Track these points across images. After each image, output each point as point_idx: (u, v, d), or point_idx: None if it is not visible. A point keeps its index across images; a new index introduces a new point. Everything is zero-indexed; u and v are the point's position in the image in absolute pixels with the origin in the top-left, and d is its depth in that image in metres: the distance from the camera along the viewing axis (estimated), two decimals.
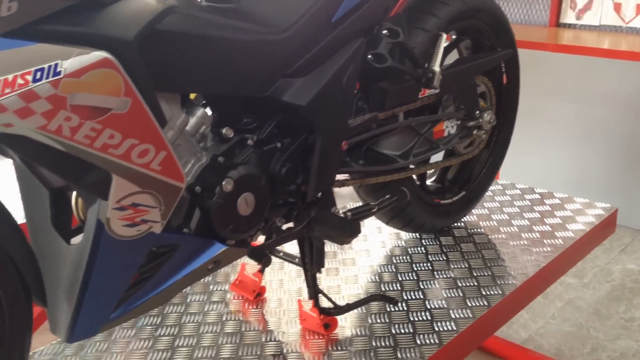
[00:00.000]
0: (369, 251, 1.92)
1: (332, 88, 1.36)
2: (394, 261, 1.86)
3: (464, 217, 2.07)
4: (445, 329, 1.54)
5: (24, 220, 1.19)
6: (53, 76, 0.89)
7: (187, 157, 1.22)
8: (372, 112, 1.54)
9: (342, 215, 1.49)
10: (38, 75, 0.88)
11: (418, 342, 1.49)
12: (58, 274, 1.15)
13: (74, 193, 1.18)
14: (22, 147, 0.95)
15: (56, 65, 0.89)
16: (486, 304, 1.64)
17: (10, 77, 0.86)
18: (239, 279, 1.71)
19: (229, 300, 1.70)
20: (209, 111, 1.26)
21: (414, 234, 1.99)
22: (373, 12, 1.43)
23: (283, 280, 1.79)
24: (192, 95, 1.28)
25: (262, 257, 1.34)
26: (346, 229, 1.40)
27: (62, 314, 1.14)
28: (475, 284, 1.73)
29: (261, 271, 1.69)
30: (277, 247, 1.60)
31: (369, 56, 1.47)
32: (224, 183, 1.23)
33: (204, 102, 1.29)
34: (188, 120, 1.21)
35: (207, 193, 1.23)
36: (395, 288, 1.72)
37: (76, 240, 1.19)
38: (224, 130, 1.27)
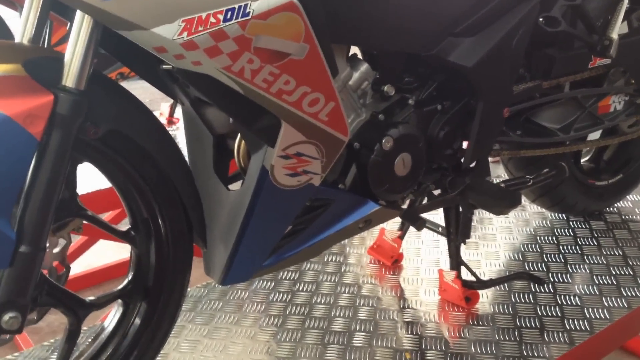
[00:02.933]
0: (511, 229, 1.83)
1: (500, 50, 1.28)
2: (539, 241, 1.76)
3: (618, 202, 1.92)
4: (597, 316, 1.44)
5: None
6: (242, 17, 0.89)
7: (348, 112, 1.20)
8: (536, 80, 1.44)
9: (490, 182, 1.41)
10: (229, 14, 0.88)
11: (567, 326, 1.40)
12: (216, 217, 1.18)
13: (237, 139, 1.20)
14: (203, 86, 0.97)
15: (245, 5, 0.89)
16: None
17: (204, 15, 0.87)
18: (377, 243, 1.69)
19: (365, 263, 1.69)
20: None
21: (560, 215, 1.87)
22: None
23: (420, 249, 1.75)
24: None
25: (417, 219, 1.30)
26: (505, 199, 1.33)
27: (217, 257, 1.17)
28: (631, 273, 1.60)
29: (401, 237, 1.66)
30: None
31: (541, 19, 1.37)
32: (383, 141, 1.20)
33: (365, 57, 1.26)
34: (352, 74, 1.18)
35: (365, 150, 1.20)
36: (540, 269, 1.63)
37: (233, 187, 1.22)
38: (385, 88, 1.24)
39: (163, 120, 2.77)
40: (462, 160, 1.36)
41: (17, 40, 1.00)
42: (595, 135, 1.73)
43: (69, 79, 0.89)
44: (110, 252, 2.71)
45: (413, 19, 1.18)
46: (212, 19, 0.87)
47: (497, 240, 1.77)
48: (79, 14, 0.88)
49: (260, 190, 1.10)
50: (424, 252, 1.74)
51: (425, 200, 1.41)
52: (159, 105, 2.88)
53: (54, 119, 0.87)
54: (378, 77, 1.23)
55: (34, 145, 0.86)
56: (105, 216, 2.42)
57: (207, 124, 1.21)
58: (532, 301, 1.49)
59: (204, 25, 0.87)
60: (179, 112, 2.80)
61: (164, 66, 1.08)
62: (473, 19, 1.26)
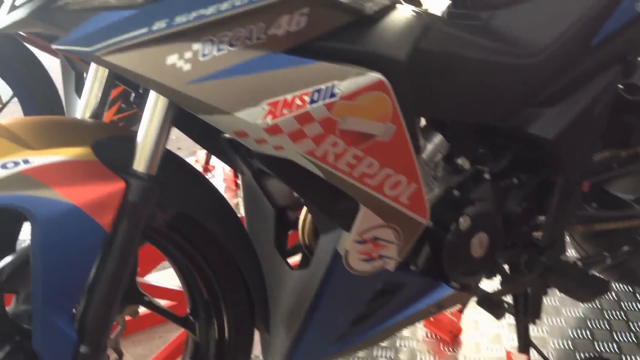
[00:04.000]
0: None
1: (583, 121, 1.19)
2: (607, 316, 1.64)
3: None
4: None
5: None
6: (329, 98, 0.82)
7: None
8: (613, 148, 1.35)
9: (572, 263, 1.31)
10: (315, 96, 0.81)
11: None
12: (278, 299, 1.09)
13: (302, 214, 1.12)
14: (280, 170, 0.89)
15: (333, 86, 0.82)
16: None
17: (289, 97, 0.79)
18: (434, 316, 1.59)
19: (421, 337, 1.58)
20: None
21: (625, 286, 1.75)
22: (637, 36, 1.24)
23: (479, 322, 1.64)
24: None
25: (497, 307, 1.20)
26: (591, 286, 1.22)
27: (278, 342, 1.08)
28: None
29: (461, 311, 1.56)
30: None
31: (621, 86, 1.29)
32: (460, 220, 1.11)
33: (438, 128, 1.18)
34: (426, 147, 1.10)
35: (440, 229, 1.12)
36: (611, 349, 1.51)
37: (292, 260, 1.14)
38: (459, 161, 1.16)
39: (199, 167, 2.71)
40: (533, 235, 1.27)
41: (79, 113, 0.93)
42: None
43: (141, 163, 0.81)
44: None
45: (490, 88, 1.11)
46: (298, 101, 0.80)
47: (562, 313, 1.66)
48: (153, 94, 0.81)
49: (331, 276, 1.02)
50: (484, 325, 1.63)
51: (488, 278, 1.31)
52: (195, 151, 2.82)
53: (124, 208, 0.80)
54: (451, 149, 1.15)
55: (101, 236, 0.79)
56: None
57: (269, 195, 1.14)
58: None
59: (289, 108, 0.80)
60: (214, 160, 2.74)
61: (226, 135, 1.02)
62: (554, 87, 1.17)
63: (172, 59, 0.73)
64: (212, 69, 0.75)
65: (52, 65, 2.06)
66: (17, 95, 1.81)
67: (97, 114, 0.93)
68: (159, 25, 0.72)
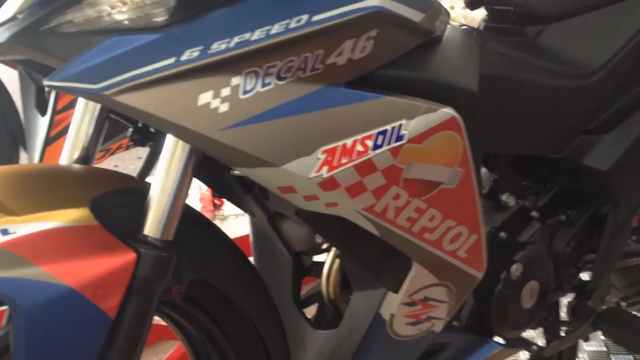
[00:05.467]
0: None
1: (638, 149, 1.07)
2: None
3: None
4: None
5: None
6: (395, 141, 0.65)
7: None
8: None
9: (613, 305, 1.18)
10: (380, 139, 0.64)
11: None
12: None
13: (327, 263, 0.96)
14: (325, 228, 0.73)
15: (400, 126, 0.65)
16: None
17: (349, 142, 0.62)
18: None
19: None
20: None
21: None
22: None
23: None
24: None
25: None
26: None
27: None
28: None
29: None
30: None
31: None
32: (512, 269, 0.96)
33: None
34: None
35: (487, 279, 0.96)
36: None
37: (308, 310, 0.98)
38: (503, 197, 1.01)
39: None
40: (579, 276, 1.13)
41: (64, 156, 0.74)
42: None
43: (154, 225, 0.63)
44: None
45: (548, 116, 0.97)
46: (360, 147, 0.63)
47: (582, 349, 1.54)
48: (171, 137, 0.62)
49: (369, 342, 0.86)
50: None
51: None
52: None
53: (133, 286, 0.61)
54: (495, 183, 1.00)
55: (105, 325, 0.60)
56: None
57: (284, 240, 0.97)
58: None
59: (349, 156, 0.63)
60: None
61: (235, 172, 0.84)
62: (609, 112, 1.04)
63: (205, 98, 0.55)
64: (255, 110, 0.57)
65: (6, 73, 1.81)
66: None
67: (87, 156, 0.74)
68: (191, 54, 0.54)
